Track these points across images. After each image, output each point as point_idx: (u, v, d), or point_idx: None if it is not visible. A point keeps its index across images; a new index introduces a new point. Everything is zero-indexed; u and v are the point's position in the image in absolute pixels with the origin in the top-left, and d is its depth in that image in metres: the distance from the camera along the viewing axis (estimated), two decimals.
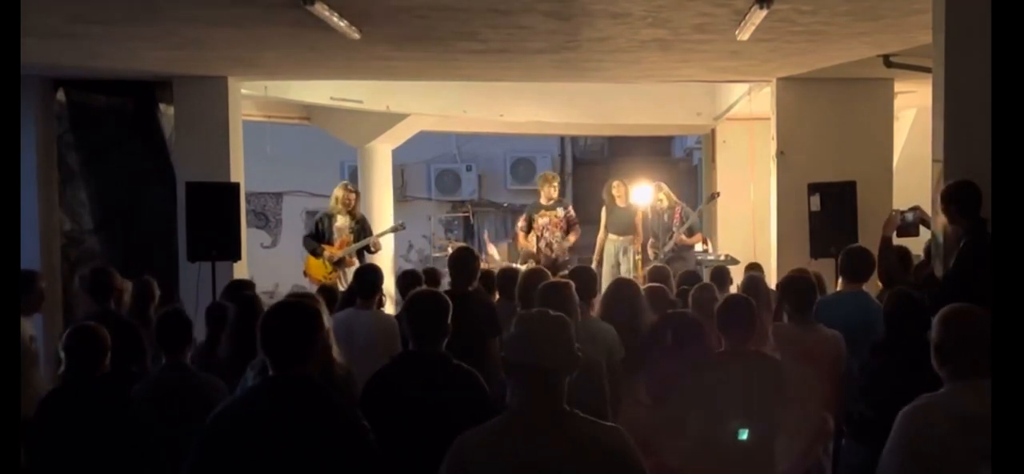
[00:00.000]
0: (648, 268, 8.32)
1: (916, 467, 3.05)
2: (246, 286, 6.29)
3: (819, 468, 4.77)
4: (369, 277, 6.12)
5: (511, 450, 2.61)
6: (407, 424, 3.58)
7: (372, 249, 9.70)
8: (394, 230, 10.48)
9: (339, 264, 9.47)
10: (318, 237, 9.63)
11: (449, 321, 3.82)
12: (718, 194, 10.62)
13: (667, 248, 9.98)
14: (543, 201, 10.30)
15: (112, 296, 5.94)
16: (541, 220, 10.17)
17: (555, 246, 10.07)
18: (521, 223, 10.44)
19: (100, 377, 4.30)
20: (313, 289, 7.69)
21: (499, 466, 2.61)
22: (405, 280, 7.06)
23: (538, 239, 10.16)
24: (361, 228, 9.69)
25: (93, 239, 9.26)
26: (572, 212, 10.42)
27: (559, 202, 10.38)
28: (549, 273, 5.75)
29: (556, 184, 10.40)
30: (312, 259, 9.70)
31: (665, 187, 10.51)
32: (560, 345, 2.66)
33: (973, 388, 3.07)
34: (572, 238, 10.26)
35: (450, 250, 7.88)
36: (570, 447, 2.60)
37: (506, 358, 2.69)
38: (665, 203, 10.28)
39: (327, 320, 4.05)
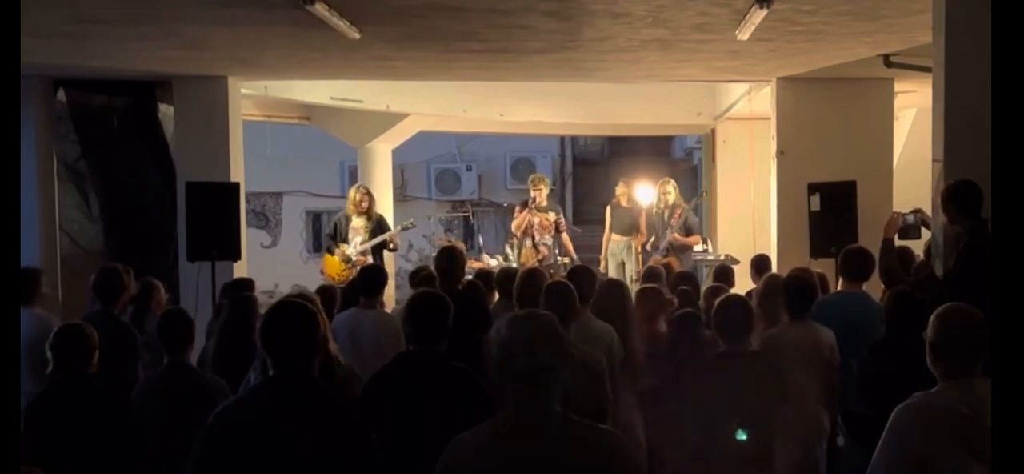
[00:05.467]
0: (644, 268, 8.33)
1: (907, 465, 3.04)
2: (244, 285, 6.27)
3: (816, 467, 4.77)
4: (373, 277, 6.12)
5: (504, 452, 2.60)
6: (406, 424, 3.58)
7: (391, 246, 9.79)
8: (405, 228, 10.53)
9: (351, 262, 9.59)
10: (335, 237, 9.81)
11: (449, 322, 3.83)
12: (704, 193, 10.59)
13: (661, 246, 9.99)
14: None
15: (118, 297, 5.93)
16: (534, 219, 10.18)
17: (542, 249, 10.09)
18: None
19: (89, 377, 4.29)
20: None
21: (492, 468, 2.60)
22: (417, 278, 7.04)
23: (526, 235, 10.20)
24: (378, 227, 9.81)
25: (92, 239, 9.26)
26: (562, 220, 10.40)
27: (551, 206, 10.40)
28: (547, 274, 5.74)
29: (543, 187, 10.37)
30: (329, 257, 9.86)
31: (672, 183, 10.51)
32: (551, 344, 2.64)
33: (966, 387, 3.07)
34: (569, 247, 10.31)
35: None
36: (564, 449, 2.58)
37: (497, 361, 2.68)
38: (673, 196, 10.29)
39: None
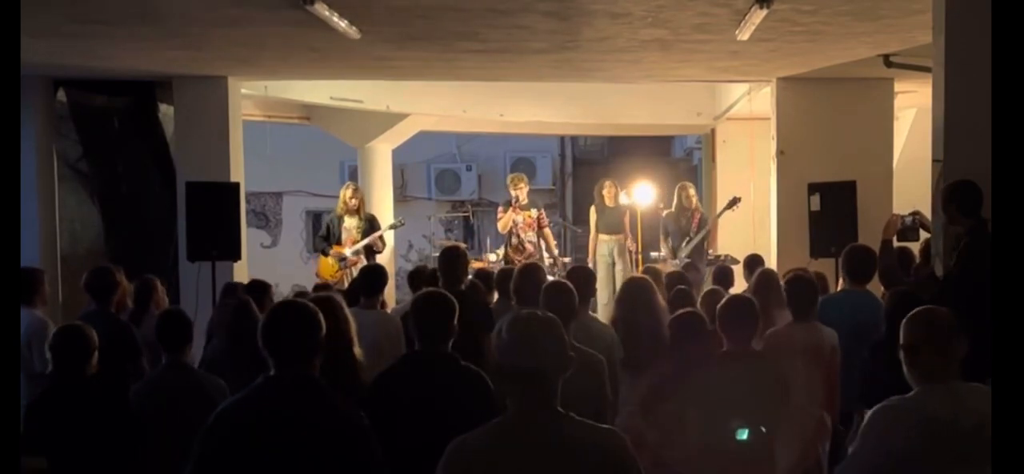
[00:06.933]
0: (643, 270, 8.30)
1: (884, 467, 3.03)
2: (265, 287, 6.21)
3: (818, 467, 4.77)
4: (374, 277, 6.12)
5: (505, 453, 2.59)
6: (414, 424, 3.58)
7: (376, 249, 9.77)
8: (393, 227, 10.52)
9: (345, 262, 9.60)
10: (328, 239, 9.81)
11: (455, 321, 3.83)
12: (738, 199, 10.15)
13: (683, 253, 9.90)
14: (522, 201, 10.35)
15: (113, 296, 5.92)
16: (517, 218, 10.22)
17: (528, 246, 10.11)
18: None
19: (89, 377, 4.29)
20: None
21: (493, 470, 2.60)
22: (416, 278, 7.03)
23: (511, 234, 10.21)
24: (369, 227, 9.82)
25: (93, 239, 9.26)
26: (543, 215, 10.46)
27: (533, 203, 10.45)
28: (544, 268, 5.74)
29: (523, 186, 10.39)
30: (322, 259, 9.87)
31: (693, 187, 10.46)
32: (552, 345, 2.64)
33: (943, 390, 3.05)
34: (550, 243, 10.46)
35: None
36: (564, 450, 2.58)
37: (498, 362, 2.67)
38: (694, 200, 10.23)
39: (349, 319, 4.08)
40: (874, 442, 3.06)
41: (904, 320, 3.19)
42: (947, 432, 2.98)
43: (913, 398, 3.09)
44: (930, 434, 2.99)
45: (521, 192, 10.21)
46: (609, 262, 10.50)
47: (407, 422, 3.60)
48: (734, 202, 10.07)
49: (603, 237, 10.58)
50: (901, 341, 3.16)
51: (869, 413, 3.13)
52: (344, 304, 4.19)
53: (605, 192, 10.63)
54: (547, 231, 10.38)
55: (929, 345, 3.09)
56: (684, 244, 9.92)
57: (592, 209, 10.82)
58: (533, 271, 5.38)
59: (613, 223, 10.55)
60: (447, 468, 2.63)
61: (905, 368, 3.14)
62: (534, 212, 10.28)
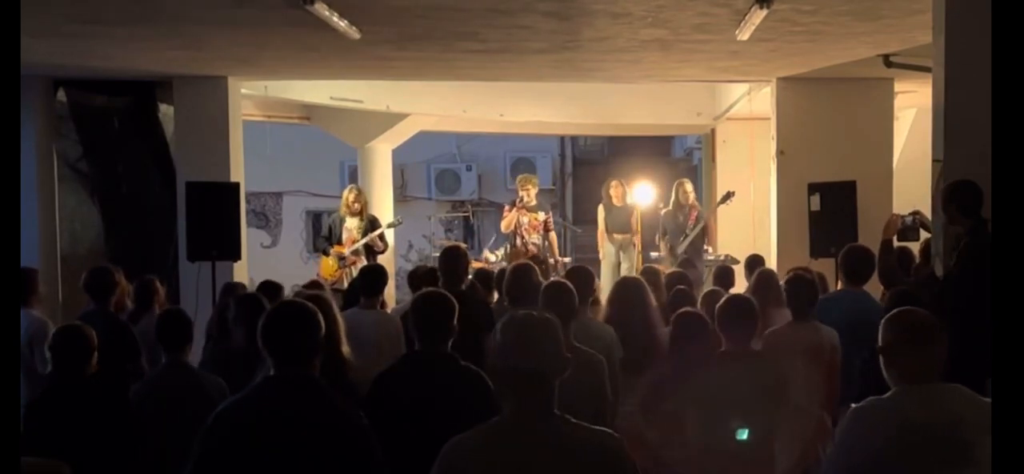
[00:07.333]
0: (641, 270, 8.29)
1: (863, 466, 3.03)
2: (277, 288, 6.20)
3: (816, 467, 4.77)
4: (374, 277, 6.12)
5: (502, 455, 2.59)
6: (414, 424, 3.58)
7: (376, 249, 9.80)
8: (391, 226, 10.54)
9: (343, 262, 9.64)
10: (330, 239, 9.91)
11: (455, 321, 3.83)
12: (732, 193, 10.28)
13: (681, 249, 9.91)
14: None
15: (111, 296, 5.93)
16: (523, 218, 10.21)
17: (531, 247, 10.12)
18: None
19: (89, 377, 4.29)
20: None
21: (491, 470, 2.60)
22: (416, 278, 7.03)
23: (515, 235, 10.22)
24: (370, 227, 9.90)
25: (93, 239, 9.27)
26: (550, 219, 10.47)
27: (541, 206, 10.44)
28: (536, 268, 5.75)
29: (531, 187, 10.39)
30: (324, 259, 9.95)
31: (691, 184, 10.46)
32: (549, 347, 2.64)
33: (921, 392, 3.03)
34: (553, 247, 10.44)
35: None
36: (561, 452, 2.58)
37: (495, 363, 2.67)
38: (692, 196, 10.24)
39: (338, 318, 4.09)
40: (852, 442, 3.05)
41: (883, 321, 3.17)
42: (924, 433, 2.96)
43: (891, 399, 3.07)
44: (907, 435, 2.97)
45: (528, 193, 10.20)
46: (615, 261, 10.51)
47: (407, 422, 3.60)
48: (728, 196, 10.18)
49: (615, 236, 10.59)
50: (879, 341, 3.14)
51: (847, 413, 3.12)
52: (333, 303, 4.19)
53: (612, 191, 10.63)
54: (552, 235, 10.37)
55: (908, 346, 3.07)
56: (681, 239, 9.95)
57: (600, 208, 10.83)
58: (525, 272, 5.38)
59: (621, 222, 10.56)
60: (443, 468, 2.62)
61: (883, 368, 3.12)
62: (541, 215, 10.25)
